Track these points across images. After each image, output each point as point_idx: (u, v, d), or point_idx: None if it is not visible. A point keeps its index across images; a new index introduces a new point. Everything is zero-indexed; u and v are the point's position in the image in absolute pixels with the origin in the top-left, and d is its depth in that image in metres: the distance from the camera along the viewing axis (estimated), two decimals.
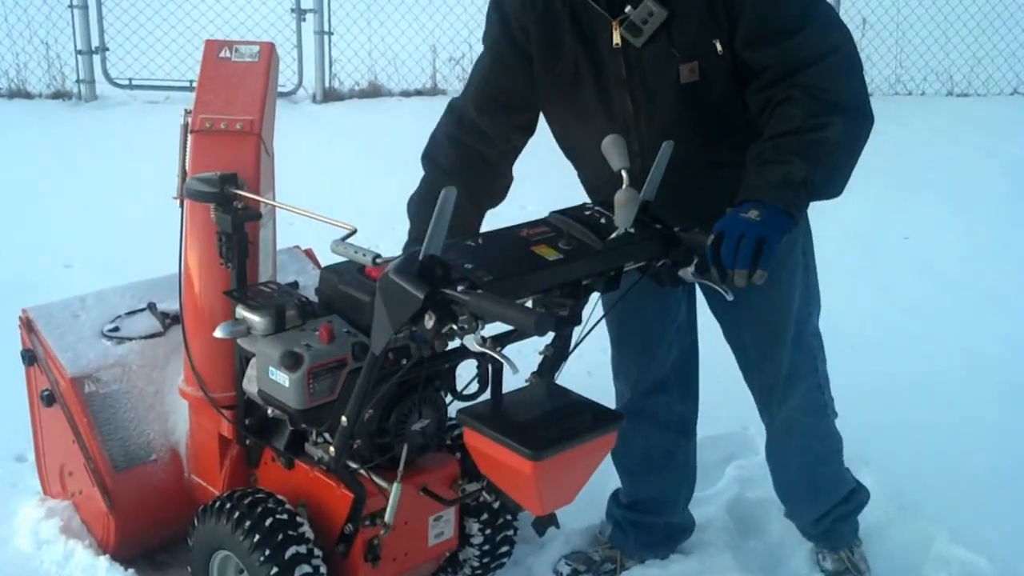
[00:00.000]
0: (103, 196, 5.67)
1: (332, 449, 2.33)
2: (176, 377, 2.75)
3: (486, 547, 2.69)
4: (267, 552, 2.33)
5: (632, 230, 2.21)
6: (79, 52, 7.76)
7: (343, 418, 2.25)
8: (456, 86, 7.62)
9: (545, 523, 2.54)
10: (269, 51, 2.64)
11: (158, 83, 7.66)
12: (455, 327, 1.93)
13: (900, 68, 8.52)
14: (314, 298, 2.45)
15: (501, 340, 2.21)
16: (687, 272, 2.27)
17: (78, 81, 7.78)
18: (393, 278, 1.96)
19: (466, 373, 2.47)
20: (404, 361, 2.23)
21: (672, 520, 2.98)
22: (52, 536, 2.84)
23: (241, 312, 2.38)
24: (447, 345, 2.02)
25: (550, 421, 2.19)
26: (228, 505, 2.42)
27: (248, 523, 2.37)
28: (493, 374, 2.39)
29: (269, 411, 2.46)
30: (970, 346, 4.36)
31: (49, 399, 2.77)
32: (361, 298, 2.27)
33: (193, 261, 2.58)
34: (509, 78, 2.49)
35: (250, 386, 2.45)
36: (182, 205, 2.59)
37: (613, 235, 2.21)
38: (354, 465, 2.37)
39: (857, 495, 2.91)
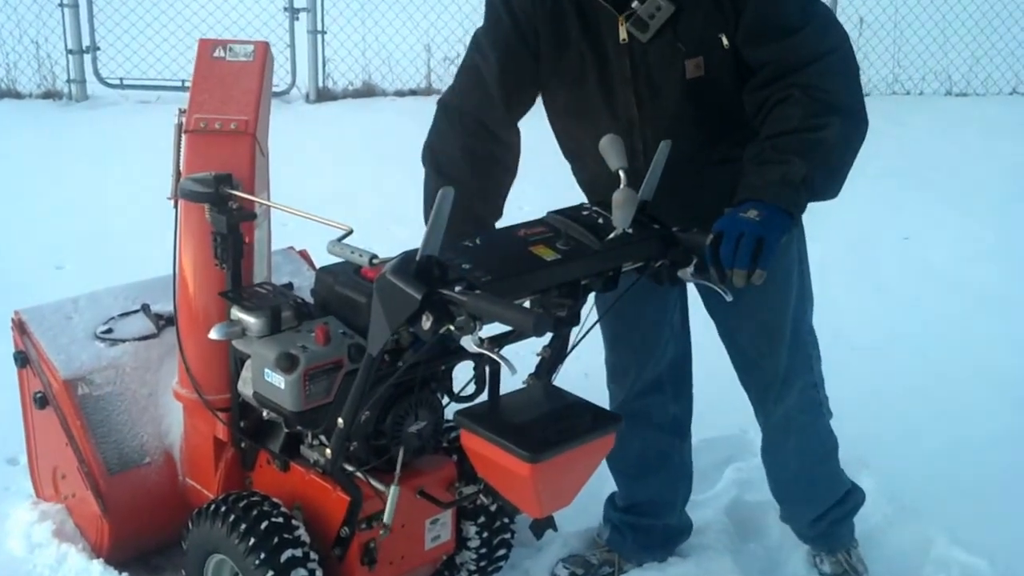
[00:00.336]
0: (95, 197, 5.63)
1: (328, 451, 2.32)
2: (170, 379, 2.74)
3: (483, 550, 2.68)
4: (262, 556, 2.32)
5: (630, 230, 2.20)
6: (70, 51, 7.71)
7: (339, 420, 2.24)
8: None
9: (543, 526, 2.54)
10: (264, 50, 2.63)
11: (149, 83, 7.62)
12: (453, 328, 1.92)
13: (898, 68, 8.50)
14: (309, 300, 2.44)
15: (499, 341, 2.19)
16: (686, 272, 2.26)
17: (69, 81, 7.73)
18: (390, 278, 1.95)
19: (463, 375, 2.46)
20: (400, 363, 2.22)
21: (670, 522, 2.97)
22: (45, 540, 2.82)
23: (236, 313, 2.38)
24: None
25: (548, 423, 2.17)
26: (223, 508, 2.41)
27: (243, 526, 2.35)
28: (490, 376, 2.38)
29: (264, 413, 2.45)
30: (970, 346, 4.35)
31: (42, 401, 2.75)
32: (357, 299, 2.27)
33: (187, 262, 2.57)
34: (516, 74, 2.46)
35: (245, 388, 2.44)
36: (176, 205, 2.57)
37: (611, 235, 2.20)
38: (350, 468, 2.36)
39: (853, 496, 2.91)
